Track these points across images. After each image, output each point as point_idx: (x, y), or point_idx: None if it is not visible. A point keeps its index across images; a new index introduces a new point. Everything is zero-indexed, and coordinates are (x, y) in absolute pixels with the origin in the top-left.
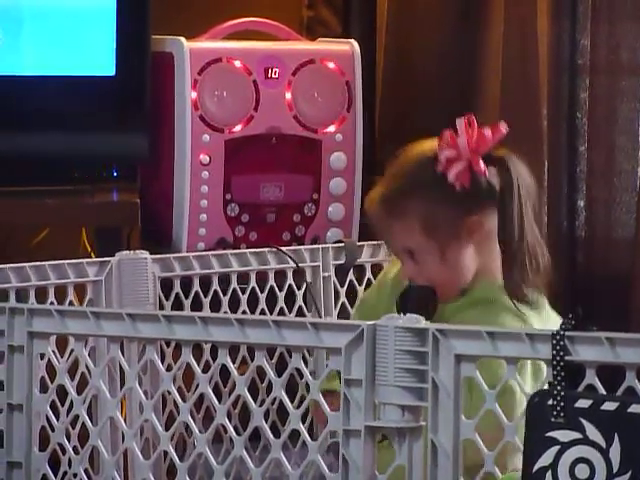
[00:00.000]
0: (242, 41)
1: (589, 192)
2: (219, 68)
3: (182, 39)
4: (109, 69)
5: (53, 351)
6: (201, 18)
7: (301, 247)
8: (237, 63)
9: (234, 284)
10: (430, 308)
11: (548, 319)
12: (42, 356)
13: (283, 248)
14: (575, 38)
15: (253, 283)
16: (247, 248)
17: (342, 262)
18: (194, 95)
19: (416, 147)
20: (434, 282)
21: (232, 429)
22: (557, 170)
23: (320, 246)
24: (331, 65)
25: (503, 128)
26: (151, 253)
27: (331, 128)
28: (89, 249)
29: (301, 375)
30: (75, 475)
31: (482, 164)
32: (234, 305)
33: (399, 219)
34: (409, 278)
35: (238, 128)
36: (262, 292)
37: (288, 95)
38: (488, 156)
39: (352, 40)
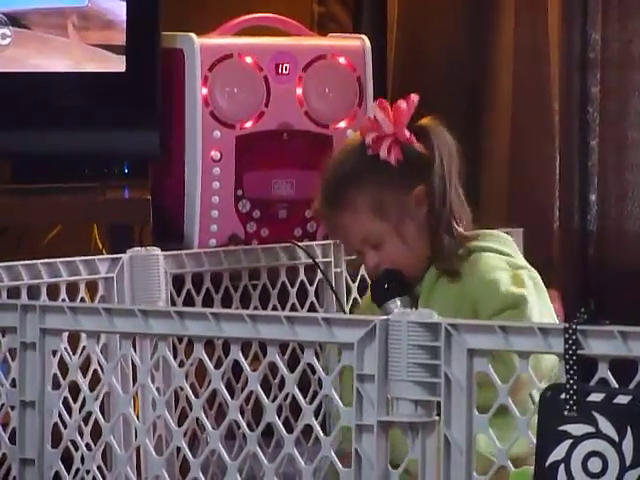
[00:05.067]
0: (253, 37)
1: (601, 186)
2: (230, 64)
3: (193, 35)
4: (119, 66)
5: (65, 348)
6: (212, 14)
7: (313, 243)
8: (248, 59)
9: (245, 280)
10: (401, 287)
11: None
12: (54, 353)
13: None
14: (586, 32)
15: (265, 279)
16: (259, 244)
17: (354, 257)
18: (205, 91)
19: (344, 143)
20: (401, 263)
21: (245, 425)
22: (569, 164)
23: (332, 242)
24: (342, 61)
25: (415, 98)
26: (163, 250)
27: (342, 124)
28: (101, 246)
29: (313, 371)
30: (88, 472)
31: (407, 133)
32: (245, 301)
33: (347, 211)
34: (375, 267)
35: (249, 124)
36: (274, 288)
37: (299, 91)
38: (410, 127)
39: (363, 35)
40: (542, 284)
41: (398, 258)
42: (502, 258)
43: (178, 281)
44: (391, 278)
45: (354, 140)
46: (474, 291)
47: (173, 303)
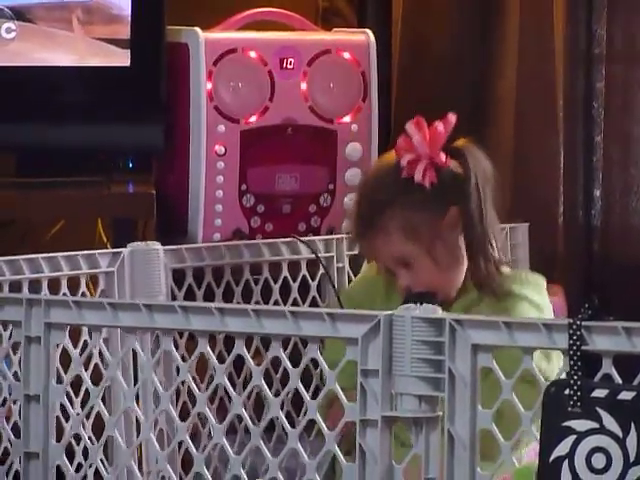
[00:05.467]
0: (257, 31)
1: (605, 182)
2: (234, 59)
3: (197, 30)
4: (124, 60)
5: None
6: (216, 9)
7: (315, 238)
8: (252, 54)
9: (246, 275)
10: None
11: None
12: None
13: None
14: (591, 27)
15: (266, 274)
16: (263, 239)
17: (356, 253)
18: (209, 86)
19: (376, 163)
20: (432, 285)
21: (249, 420)
22: (573, 160)
23: (334, 237)
24: (346, 55)
25: (452, 119)
26: (167, 244)
27: (346, 118)
28: (105, 240)
29: (315, 365)
30: (90, 466)
31: (443, 156)
32: (247, 296)
33: (379, 234)
34: (406, 288)
35: (253, 119)
36: (275, 283)
37: (303, 85)
38: (446, 149)
39: (367, 30)
40: None
41: (430, 280)
42: (536, 314)
43: (179, 275)
44: (423, 301)
45: (388, 160)
46: None
47: (174, 297)
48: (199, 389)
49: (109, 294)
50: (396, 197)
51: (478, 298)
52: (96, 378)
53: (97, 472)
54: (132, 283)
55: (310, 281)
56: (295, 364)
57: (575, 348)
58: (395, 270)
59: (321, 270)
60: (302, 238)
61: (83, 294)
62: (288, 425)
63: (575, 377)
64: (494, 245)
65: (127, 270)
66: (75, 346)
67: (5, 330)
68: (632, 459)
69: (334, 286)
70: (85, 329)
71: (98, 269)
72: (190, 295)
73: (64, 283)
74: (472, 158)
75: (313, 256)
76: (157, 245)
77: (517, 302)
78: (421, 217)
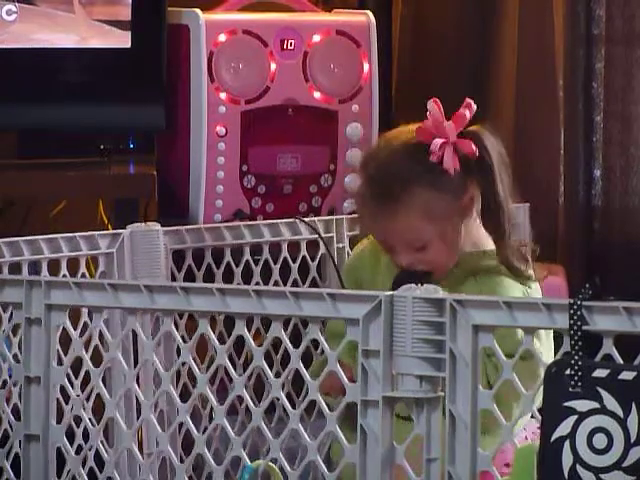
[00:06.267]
0: (258, 13)
1: (605, 161)
2: (235, 40)
3: (198, 11)
4: (125, 41)
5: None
6: None
7: (315, 218)
8: (253, 35)
9: (247, 256)
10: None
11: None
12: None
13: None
14: (591, 8)
15: (266, 255)
16: (264, 219)
17: (357, 233)
18: (210, 67)
19: (394, 139)
20: (434, 265)
21: (250, 400)
22: (574, 140)
23: (334, 217)
24: (347, 36)
25: (473, 104)
26: (168, 225)
27: (347, 99)
28: (106, 221)
29: (316, 346)
30: (91, 448)
31: (469, 142)
32: (247, 277)
33: (399, 212)
34: (408, 266)
35: (254, 99)
36: (275, 264)
37: (304, 66)
38: (462, 133)
39: (368, 11)
40: None
41: (434, 261)
42: (522, 289)
43: (179, 256)
44: (419, 280)
45: (410, 139)
46: None
47: (174, 278)
48: (201, 370)
49: (109, 275)
50: (423, 179)
51: (468, 272)
52: (97, 360)
53: (98, 454)
54: (132, 264)
55: (310, 262)
56: (297, 345)
57: (576, 328)
58: (398, 249)
59: (321, 251)
60: (304, 219)
61: (83, 275)
62: (289, 406)
63: (576, 357)
64: (512, 231)
65: (127, 251)
66: (75, 328)
67: (5, 312)
68: (633, 439)
69: (336, 265)
70: (85, 311)
71: (98, 250)
72: (190, 276)
73: (64, 264)
74: (489, 143)
75: (313, 237)
76: (157, 226)
77: (504, 279)
78: (443, 201)
